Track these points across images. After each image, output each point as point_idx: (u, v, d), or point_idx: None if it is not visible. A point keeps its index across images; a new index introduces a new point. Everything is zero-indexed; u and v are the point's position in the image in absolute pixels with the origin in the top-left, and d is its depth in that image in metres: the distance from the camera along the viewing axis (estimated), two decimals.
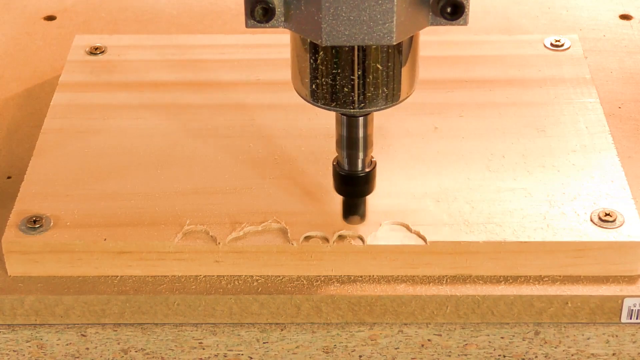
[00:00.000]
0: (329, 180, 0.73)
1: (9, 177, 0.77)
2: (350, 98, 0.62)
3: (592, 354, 0.71)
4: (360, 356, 0.71)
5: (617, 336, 0.70)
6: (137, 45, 0.86)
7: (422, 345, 0.71)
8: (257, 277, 0.70)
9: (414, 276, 0.70)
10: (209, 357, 0.71)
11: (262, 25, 0.60)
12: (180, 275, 0.70)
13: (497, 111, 0.80)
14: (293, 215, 0.71)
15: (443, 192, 0.72)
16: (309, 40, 0.61)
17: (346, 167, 0.68)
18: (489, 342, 0.71)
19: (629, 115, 0.83)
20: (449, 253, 0.69)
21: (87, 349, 0.71)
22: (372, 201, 0.71)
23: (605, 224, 0.70)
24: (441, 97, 0.81)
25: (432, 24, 0.61)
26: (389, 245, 0.69)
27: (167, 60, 0.84)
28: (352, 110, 0.63)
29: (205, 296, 0.69)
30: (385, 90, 0.63)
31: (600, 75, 0.88)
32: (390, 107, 0.64)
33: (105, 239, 0.69)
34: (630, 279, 0.69)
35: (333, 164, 0.68)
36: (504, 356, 0.71)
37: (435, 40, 0.87)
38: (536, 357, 0.71)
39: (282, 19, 0.60)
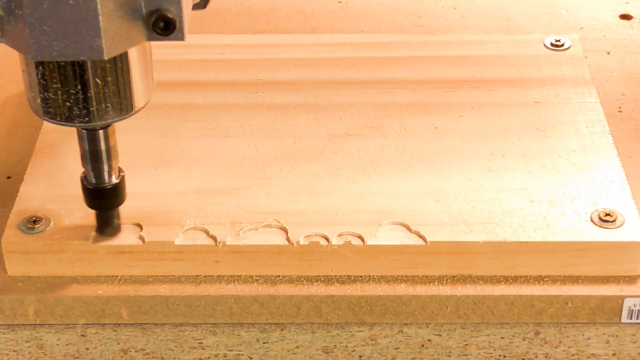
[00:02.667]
0: (329, 180, 0.73)
1: (9, 177, 0.77)
2: (77, 112, 0.62)
3: (593, 354, 0.71)
4: (360, 356, 0.71)
5: (617, 336, 0.70)
6: None
7: (422, 345, 0.71)
8: (257, 277, 0.70)
9: (414, 276, 0.70)
10: (209, 357, 0.71)
11: None
12: (180, 275, 0.70)
13: (497, 111, 0.80)
14: (293, 215, 0.71)
15: (443, 192, 0.72)
16: None
17: (93, 180, 0.67)
18: (489, 342, 0.71)
19: (629, 115, 0.83)
20: (449, 253, 0.69)
21: (87, 349, 0.71)
22: (372, 201, 0.71)
23: (605, 224, 0.70)
24: (441, 97, 0.81)
25: (149, 39, 0.60)
26: (389, 245, 0.69)
27: (166, 60, 0.84)
28: (86, 125, 0.63)
29: (205, 296, 0.69)
30: (112, 103, 0.62)
31: (600, 75, 0.88)
32: (125, 118, 0.64)
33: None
34: (630, 279, 0.69)
35: (80, 179, 0.68)
36: (504, 356, 0.71)
37: (435, 41, 0.87)
38: (536, 357, 0.71)
39: None
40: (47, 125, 0.78)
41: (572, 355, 0.71)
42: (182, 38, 0.60)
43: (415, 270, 0.70)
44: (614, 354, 0.71)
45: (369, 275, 0.70)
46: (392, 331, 0.70)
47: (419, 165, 0.75)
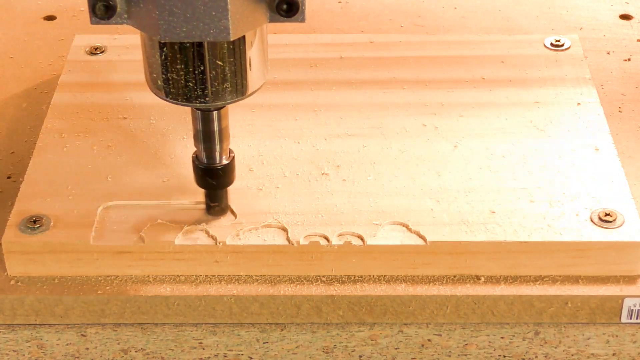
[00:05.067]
0: (328, 181, 0.73)
1: (9, 177, 0.77)
2: (197, 93, 0.64)
3: (592, 354, 0.71)
4: (360, 356, 0.71)
5: (617, 336, 0.70)
6: (137, 45, 0.85)
7: (422, 345, 0.71)
8: (257, 277, 0.70)
9: (414, 276, 0.70)
10: (209, 357, 0.71)
11: (104, 22, 0.61)
12: (180, 275, 0.70)
13: (497, 111, 0.80)
14: (293, 215, 0.71)
15: (443, 192, 0.72)
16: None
17: (204, 160, 0.69)
18: (489, 342, 0.71)
19: (629, 116, 0.83)
20: (449, 253, 0.69)
21: (87, 349, 0.71)
22: (372, 201, 0.71)
23: (605, 224, 0.70)
24: (441, 97, 0.81)
25: (270, 21, 0.62)
26: (389, 245, 0.69)
27: None
28: (204, 105, 0.65)
29: (205, 296, 0.69)
30: (231, 84, 0.64)
31: (600, 75, 0.88)
32: (240, 100, 0.65)
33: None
34: (630, 279, 0.69)
35: (192, 158, 0.70)
36: (504, 356, 0.71)
37: (435, 40, 0.87)
38: (536, 357, 0.71)
39: (125, 16, 0.62)
40: (47, 125, 0.78)
41: (572, 355, 0.71)
42: (303, 20, 0.61)
43: (415, 270, 0.70)
44: (614, 354, 0.71)
45: (369, 275, 0.70)
46: (392, 331, 0.70)
47: (419, 165, 0.75)
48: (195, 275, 0.70)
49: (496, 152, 0.76)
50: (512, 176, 0.74)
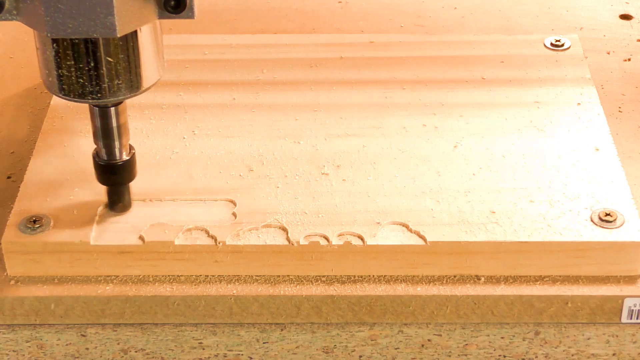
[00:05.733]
0: (329, 181, 0.73)
1: (9, 177, 0.77)
2: (89, 89, 0.64)
3: (593, 354, 0.71)
4: (360, 356, 0.71)
5: (617, 336, 0.70)
6: None
7: (422, 345, 0.71)
8: (257, 277, 0.70)
9: (414, 276, 0.70)
10: (209, 357, 0.71)
11: None
12: (180, 275, 0.70)
13: (497, 111, 0.80)
14: (293, 215, 0.71)
15: (443, 192, 0.72)
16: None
17: (104, 157, 0.69)
18: (489, 342, 0.71)
19: (629, 116, 0.83)
20: (449, 253, 0.69)
21: (87, 349, 0.71)
22: (372, 201, 0.71)
23: (605, 224, 0.70)
24: (441, 97, 0.81)
25: (160, 18, 0.63)
26: (389, 245, 0.69)
27: (166, 60, 0.84)
28: (97, 101, 0.65)
29: (205, 296, 0.69)
30: (124, 80, 0.64)
31: (600, 75, 0.88)
32: (135, 95, 0.65)
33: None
34: (630, 279, 0.69)
35: (92, 155, 0.69)
36: (504, 356, 0.71)
37: (435, 40, 0.87)
38: (536, 357, 0.71)
39: (14, 12, 0.62)
40: (47, 125, 0.78)
41: (572, 355, 0.71)
42: (192, 16, 0.62)
43: (415, 270, 0.70)
44: (614, 354, 0.71)
45: (369, 275, 0.70)
46: (392, 331, 0.70)
47: (419, 165, 0.75)
48: (195, 275, 0.70)
49: (496, 152, 0.76)
50: (512, 176, 0.74)
